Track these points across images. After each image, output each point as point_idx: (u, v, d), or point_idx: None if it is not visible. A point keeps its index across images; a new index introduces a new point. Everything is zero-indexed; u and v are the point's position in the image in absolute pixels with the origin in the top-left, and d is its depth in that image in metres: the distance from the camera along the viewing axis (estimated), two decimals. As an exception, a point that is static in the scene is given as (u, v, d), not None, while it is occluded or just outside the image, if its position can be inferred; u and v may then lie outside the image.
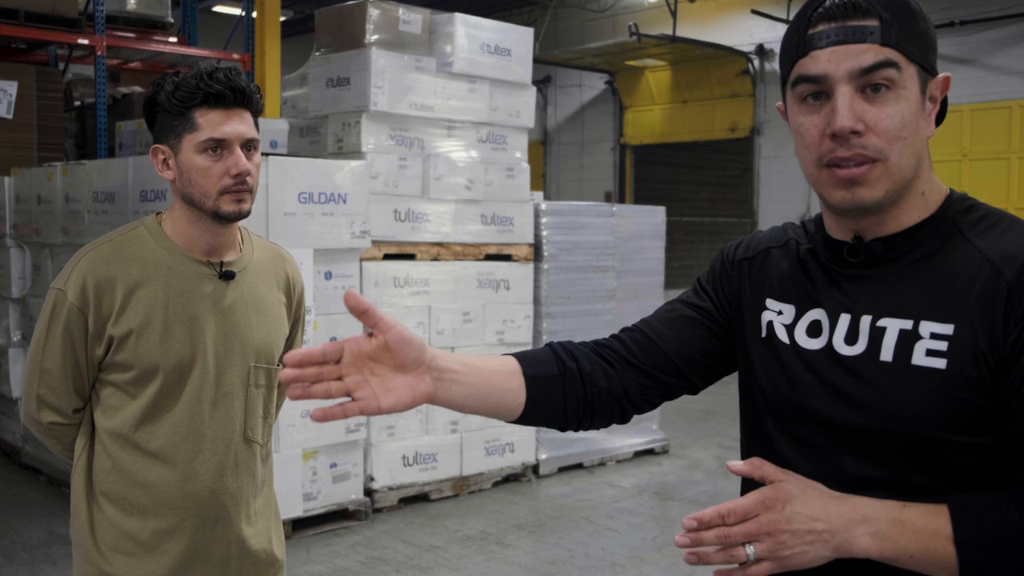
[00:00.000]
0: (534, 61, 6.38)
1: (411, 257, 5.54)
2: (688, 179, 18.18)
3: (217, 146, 1.89)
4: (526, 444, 6.02)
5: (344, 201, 4.95)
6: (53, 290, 1.93)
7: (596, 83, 16.63)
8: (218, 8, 13.65)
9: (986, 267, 1.17)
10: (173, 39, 9.11)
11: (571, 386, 1.38)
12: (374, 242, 5.26)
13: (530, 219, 6.05)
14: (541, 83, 16.42)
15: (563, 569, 4.56)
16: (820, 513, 1.15)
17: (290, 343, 2.18)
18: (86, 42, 7.66)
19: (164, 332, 1.91)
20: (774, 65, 14.30)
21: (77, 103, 8.70)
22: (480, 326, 5.76)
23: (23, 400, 2.01)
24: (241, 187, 1.91)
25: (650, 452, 6.72)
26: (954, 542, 1.12)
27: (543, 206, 6.13)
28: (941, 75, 1.24)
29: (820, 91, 1.22)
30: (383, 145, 5.44)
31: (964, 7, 12.17)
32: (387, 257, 5.42)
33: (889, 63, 1.17)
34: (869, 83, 1.17)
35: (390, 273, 5.40)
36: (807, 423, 1.27)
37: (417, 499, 5.50)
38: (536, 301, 6.08)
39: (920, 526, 1.13)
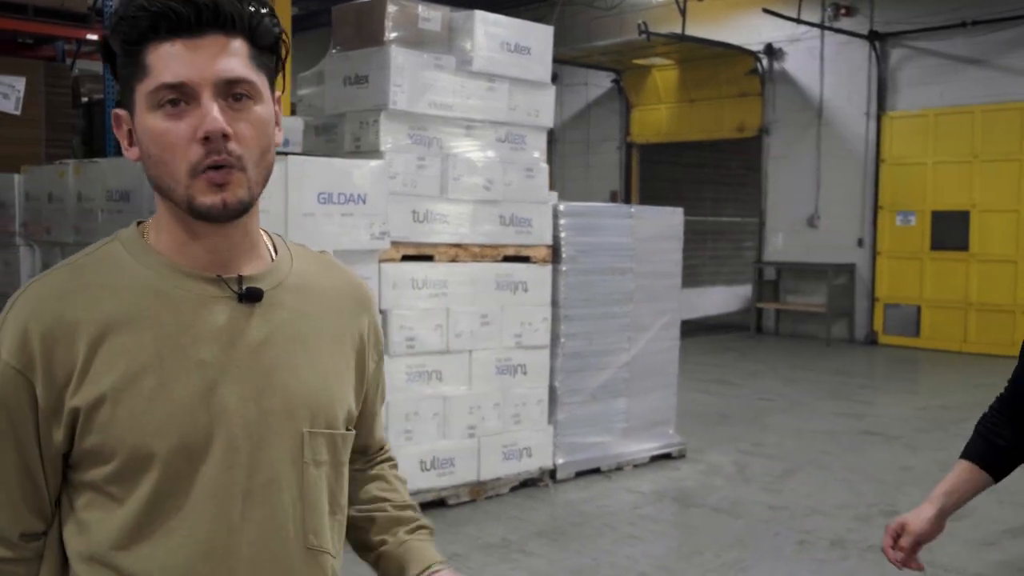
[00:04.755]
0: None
1: (429, 258, 5.44)
2: (695, 178, 18.12)
3: (177, 97, 1.18)
4: (543, 448, 5.93)
5: (364, 202, 4.86)
6: None
7: (602, 81, 16.55)
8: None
9: None
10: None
11: None
12: (392, 243, 5.17)
13: (548, 220, 5.96)
14: (547, 81, 16.32)
15: (587, 578, 4.48)
16: None
17: (373, 396, 1.49)
18: (95, 37, 7.57)
19: (156, 394, 1.21)
20: (783, 64, 14.22)
21: (84, 99, 8.61)
22: (498, 329, 5.67)
23: None
24: (219, 159, 1.18)
25: (667, 456, 6.63)
26: None
27: (561, 207, 6.04)
28: None
29: None
30: (401, 144, 5.34)
31: (975, 7, 12.09)
32: (405, 258, 5.33)
33: None
34: None
35: (408, 275, 5.31)
36: None
37: (434, 504, 5.41)
38: (554, 303, 5.99)
39: None
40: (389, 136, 5.29)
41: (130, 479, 1.21)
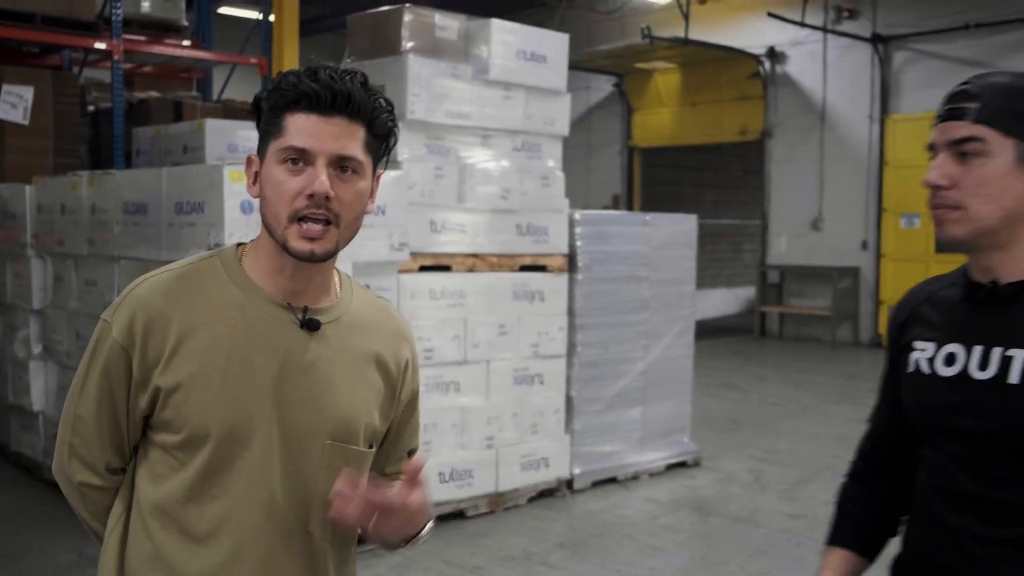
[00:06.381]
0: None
1: (446, 268, 5.42)
2: (695, 181, 18.11)
3: (299, 158, 1.47)
4: (561, 458, 5.90)
5: (383, 213, 4.83)
6: (101, 321, 1.58)
7: (604, 85, 16.53)
8: (235, 11, 13.46)
9: None
10: (187, 42, 8.98)
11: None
12: (410, 254, 5.13)
13: (564, 229, 5.93)
14: (548, 85, 16.29)
15: (613, 591, 4.45)
16: None
17: (402, 429, 1.75)
18: (103, 46, 7.53)
19: (222, 388, 1.51)
20: (785, 68, 14.22)
21: (91, 108, 8.56)
22: (515, 338, 5.65)
23: (56, 450, 1.64)
24: (317, 215, 1.46)
25: (683, 465, 6.61)
26: None
27: (577, 216, 6.02)
28: None
29: None
30: (418, 154, 5.31)
31: (978, 10, 12.10)
32: (422, 269, 5.30)
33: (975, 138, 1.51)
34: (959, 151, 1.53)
35: (426, 285, 5.28)
36: (952, 436, 1.57)
37: (453, 516, 5.38)
38: (570, 312, 5.97)
39: None
40: (406, 146, 5.26)
41: (190, 450, 1.53)
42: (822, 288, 13.72)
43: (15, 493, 5.82)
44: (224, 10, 13.09)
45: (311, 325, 1.56)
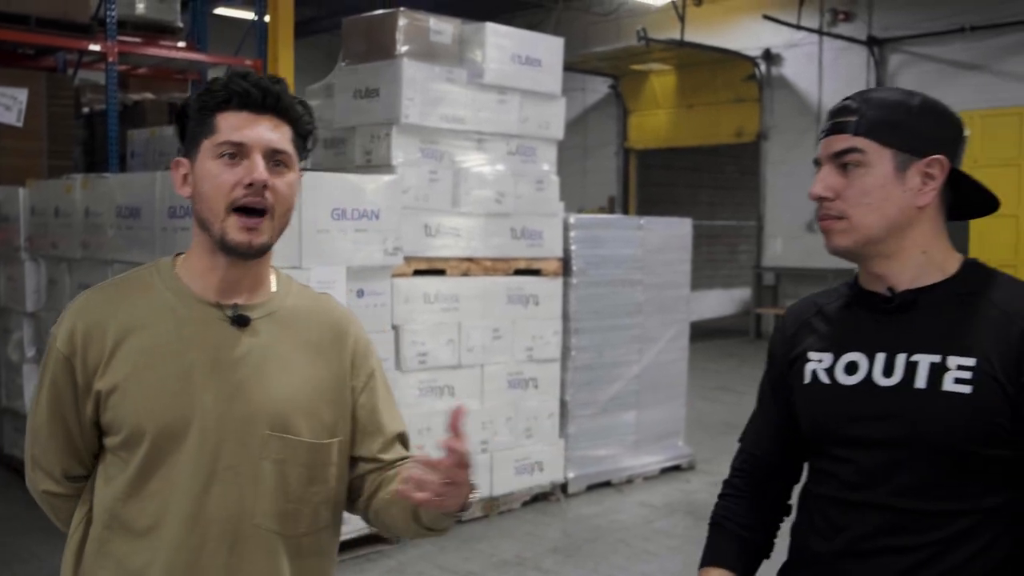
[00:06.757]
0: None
1: (441, 272, 5.41)
2: (691, 183, 18.12)
3: (235, 152, 1.55)
4: (555, 462, 5.89)
5: (377, 217, 4.83)
6: (50, 334, 1.66)
7: (600, 87, 16.54)
8: (230, 12, 13.44)
9: (1002, 318, 1.50)
10: (182, 44, 8.96)
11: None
12: (405, 258, 5.13)
13: (559, 233, 5.93)
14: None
15: (606, 597, 4.45)
16: None
17: (373, 413, 1.75)
18: (98, 48, 7.51)
19: (152, 388, 1.57)
20: (781, 70, 14.23)
21: (86, 110, 8.54)
22: (510, 342, 5.64)
23: (24, 462, 1.72)
24: (256, 203, 1.55)
25: (677, 468, 6.61)
26: None
27: (572, 220, 6.02)
28: (932, 157, 1.55)
29: None
30: (412, 158, 5.31)
31: (975, 13, 12.12)
32: (416, 273, 5.30)
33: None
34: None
35: (420, 290, 5.27)
36: (853, 445, 1.57)
37: (447, 520, 5.37)
38: (565, 316, 5.96)
39: None
40: (400, 150, 5.26)
41: (130, 448, 1.59)
42: (817, 290, 13.70)
43: (8, 497, 5.80)
44: (219, 11, 13.07)
45: (240, 321, 1.62)
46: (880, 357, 1.55)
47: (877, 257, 1.58)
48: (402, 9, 5.37)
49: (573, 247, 5.99)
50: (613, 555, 4.98)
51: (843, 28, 13.38)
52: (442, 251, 5.39)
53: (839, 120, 1.58)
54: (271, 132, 1.57)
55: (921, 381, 1.50)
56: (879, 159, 1.54)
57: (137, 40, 8.35)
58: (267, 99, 1.57)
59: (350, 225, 4.72)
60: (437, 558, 4.88)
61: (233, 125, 1.56)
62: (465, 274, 5.50)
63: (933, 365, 1.50)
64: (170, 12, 8.65)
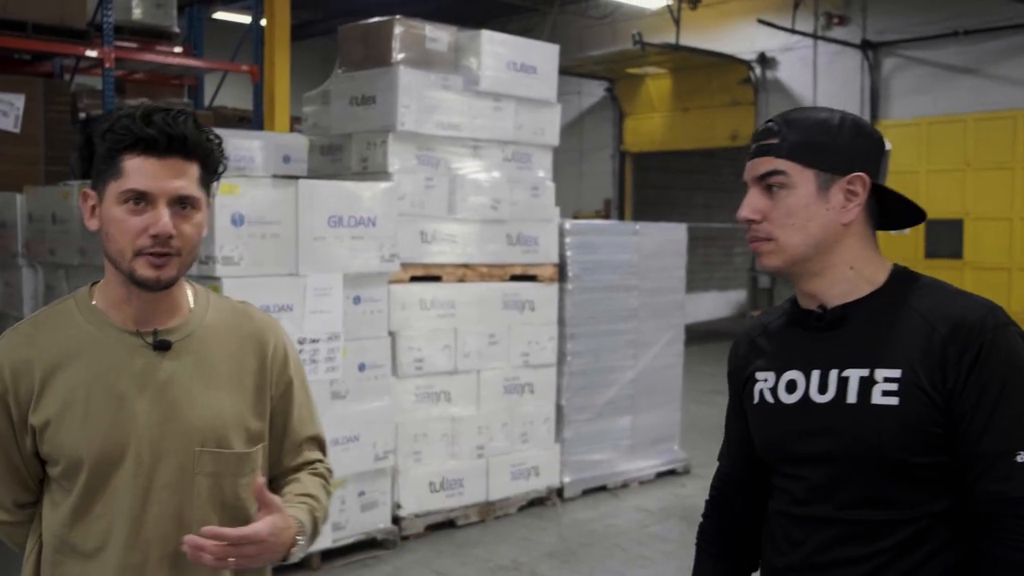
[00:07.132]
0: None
1: (437, 279, 5.44)
2: (686, 185, 18.16)
3: (140, 199, 1.58)
4: (551, 467, 5.92)
5: (373, 224, 4.86)
6: None
7: (595, 90, 16.57)
8: (227, 16, 13.44)
9: (924, 325, 1.52)
10: (178, 49, 8.98)
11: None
12: (401, 264, 5.15)
13: (554, 238, 5.96)
14: (540, 90, 16.32)
15: (601, 602, 4.47)
16: None
17: (285, 420, 1.82)
18: (94, 53, 7.52)
19: (85, 419, 1.63)
20: (776, 73, 14.27)
21: (82, 115, 8.55)
22: (505, 348, 5.67)
23: None
24: (161, 251, 1.59)
25: (672, 473, 6.64)
26: None
27: (567, 225, 6.05)
28: (854, 174, 1.57)
29: None
30: (409, 165, 5.33)
31: (968, 16, 12.15)
32: (413, 279, 5.32)
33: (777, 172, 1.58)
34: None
35: (416, 296, 5.30)
36: (799, 462, 1.61)
37: (443, 525, 5.40)
38: (560, 322, 5.99)
39: None
40: (397, 157, 5.28)
41: (70, 477, 1.65)
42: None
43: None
44: (216, 15, 13.08)
45: (161, 346, 1.68)
46: (815, 374, 1.58)
47: (806, 275, 1.61)
48: (398, 17, 5.40)
49: (568, 253, 6.02)
50: (609, 560, 5.01)
51: (837, 32, 13.41)
52: (438, 257, 5.42)
53: (763, 143, 1.61)
54: (176, 180, 1.59)
55: (852, 396, 1.53)
56: (802, 180, 1.56)
57: (133, 45, 8.36)
58: (172, 144, 1.59)
59: (347, 232, 4.75)
60: (433, 563, 4.90)
61: (139, 170, 1.57)
62: (461, 280, 5.53)
63: (862, 379, 1.53)
64: (166, 17, 8.65)
